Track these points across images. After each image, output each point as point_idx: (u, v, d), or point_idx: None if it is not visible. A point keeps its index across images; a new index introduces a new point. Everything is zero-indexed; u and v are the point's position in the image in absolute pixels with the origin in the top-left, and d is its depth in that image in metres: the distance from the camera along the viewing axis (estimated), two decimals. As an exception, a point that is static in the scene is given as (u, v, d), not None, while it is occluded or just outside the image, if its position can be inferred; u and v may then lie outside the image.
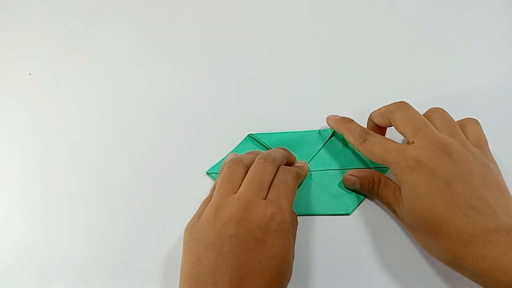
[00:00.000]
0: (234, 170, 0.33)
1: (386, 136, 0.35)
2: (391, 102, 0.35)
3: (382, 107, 0.35)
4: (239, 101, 0.43)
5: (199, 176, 0.38)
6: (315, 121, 0.40)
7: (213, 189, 0.34)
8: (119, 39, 0.48)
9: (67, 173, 0.39)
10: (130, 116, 0.42)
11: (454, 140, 0.31)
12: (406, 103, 0.33)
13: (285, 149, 0.37)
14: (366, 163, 0.37)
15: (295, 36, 0.47)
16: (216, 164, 0.38)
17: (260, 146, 0.39)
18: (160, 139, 0.41)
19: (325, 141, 0.39)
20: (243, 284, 0.27)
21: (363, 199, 0.36)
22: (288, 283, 0.30)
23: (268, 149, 0.39)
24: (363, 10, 0.48)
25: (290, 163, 0.36)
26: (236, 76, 0.44)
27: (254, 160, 0.33)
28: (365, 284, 0.33)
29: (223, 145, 0.39)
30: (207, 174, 0.38)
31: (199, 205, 0.33)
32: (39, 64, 0.46)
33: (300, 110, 0.42)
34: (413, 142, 0.31)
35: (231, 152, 0.39)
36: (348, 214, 0.35)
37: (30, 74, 0.46)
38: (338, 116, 0.38)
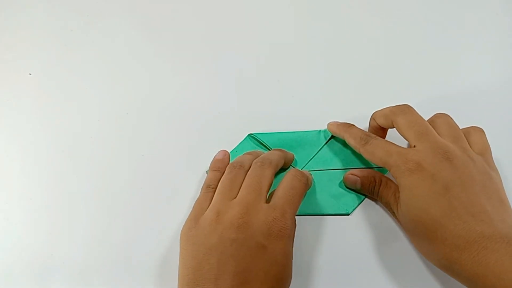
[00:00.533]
0: (235, 174, 0.33)
1: (387, 138, 0.35)
2: (392, 103, 0.35)
3: (385, 108, 0.35)
4: (239, 101, 0.43)
5: (199, 176, 0.38)
6: (315, 121, 0.40)
7: (204, 188, 0.34)
8: (119, 39, 0.48)
9: (67, 173, 0.39)
10: (130, 116, 0.42)
11: (456, 146, 0.31)
12: (410, 106, 0.33)
13: (282, 150, 0.37)
14: (366, 163, 0.37)
15: (295, 36, 0.47)
16: (216, 164, 0.38)
17: (260, 146, 0.39)
18: (160, 139, 0.41)
19: (325, 141, 0.39)
20: None
21: (363, 199, 0.36)
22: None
23: (269, 149, 0.39)
24: (363, 10, 0.48)
25: (287, 163, 0.37)
26: (236, 76, 0.44)
27: (254, 162, 0.34)
28: (365, 284, 0.33)
29: (223, 145, 0.39)
30: (207, 174, 0.38)
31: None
32: (39, 64, 0.46)
33: (300, 110, 0.42)
34: (414, 146, 0.31)
35: (231, 151, 0.39)
36: (348, 214, 0.35)
37: (30, 74, 0.46)
38: (339, 122, 0.38)
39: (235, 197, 0.31)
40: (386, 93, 0.42)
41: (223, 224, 0.29)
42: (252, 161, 0.34)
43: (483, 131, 0.34)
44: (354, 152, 0.38)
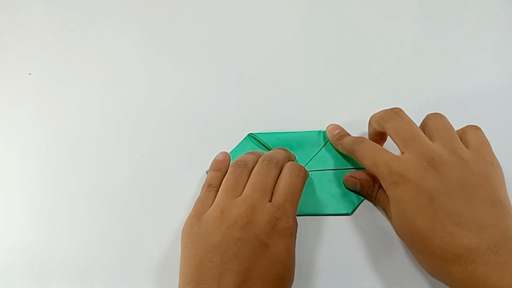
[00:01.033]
0: (239, 173, 0.33)
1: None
2: (392, 103, 0.34)
3: (378, 113, 0.34)
4: (239, 101, 0.43)
5: (199, 176, 0.38)
6: (315, 121, 0.40)
7: (205, 187, 0.34)
8: (119, 39, 0.48)
9: (67, 173, 0.39)
10: (130, 116, 0.42)
11: (446, 150, 0.30)
12: (399, 111, 0.33)
13: (285, 149, 0.37)
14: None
15: (295, 36, 0.47)
16: (216, 164, 0.38)
17: (260, 145, 0.39)
18: (160, 139, 0.41)
19: (326, 141, 0.39)
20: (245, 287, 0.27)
21: (363, 199, 0.36)
22: (290, 287, 0.30)
23: (269, 149, 0.39)
24: (363, 10, 0.48)
25: None
26: (236, 76, 0.44)
27: (258, 160, 0.33)
28: (365, 284, 0.33)
29: (223, 145, 0.39)
30: (207, 174, 0.38)
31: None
32: (39, 64, 0.46)
33: (300, 110, 0.42)
34: (403, 153, 0.31)
35: (231, 151, 0.39)
36: (348, 214, 0.35)
37: (30, 74, 0.46)
38: (336, 125, 0.38)
39: (240, 195, 0.31)
40: (386, 93, 0.42)
41: (227, 223, 0.29)
42: (256, 161, 0.34)
43: (479, 128, 0.33)
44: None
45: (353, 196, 0.36)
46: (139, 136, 0.41)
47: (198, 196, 0.34)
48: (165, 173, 0.39)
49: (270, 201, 0.31)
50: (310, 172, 0.37)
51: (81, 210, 0.37)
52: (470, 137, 0.32)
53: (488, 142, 0.32)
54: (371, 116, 0.35)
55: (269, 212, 0.30)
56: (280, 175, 0.33)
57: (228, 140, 0.40)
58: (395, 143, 0.32)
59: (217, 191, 0.33)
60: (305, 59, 0.45)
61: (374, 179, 0.35)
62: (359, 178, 0.35)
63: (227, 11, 0.49)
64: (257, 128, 0.40)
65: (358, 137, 0.35)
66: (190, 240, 0.30)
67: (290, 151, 0.37)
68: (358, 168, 0.37)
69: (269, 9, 0.49)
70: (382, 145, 0.38)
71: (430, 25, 0.47)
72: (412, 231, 0.28)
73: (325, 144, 0.39)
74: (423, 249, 0.28)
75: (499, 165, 0.31)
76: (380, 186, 0.33)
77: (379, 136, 0.36)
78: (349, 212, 0.35)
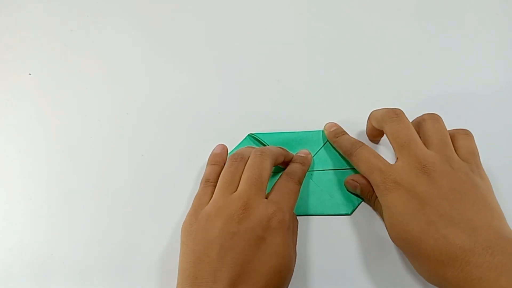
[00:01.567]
0: (236, 167, 0.33)
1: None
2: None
3: (379, 111, 0.34)
4: (240, 101, 0.43)
5: (199, 176, 0.38)
6: (315, 121, 0.40)
7: (202, 183, 0.35)
8: (119, 39, 0.48)
9: (67, 173, 0.39)
10: (130, 116, 0.42)
11: (438, 156, 0.30)
12: (400, 113, 0.33)
13: (282, 148, 0.37)
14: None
15: (295, 36, 0.47)
16: (216, 164, 0.38)
17: (260, 146, 0.39)
18: (160, 139, 0.41)
19: (325, 141, 0.39)
20: (242, 281, 0.27)
21: (363, 200, 0.36)
22: (289, 281, 0.30)
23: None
24: (363, 10, 0.48)
25: (287, 161, 0.37)
26: (236, 76, 0.44)
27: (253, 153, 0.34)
28: (365, 284, 0.33)
29: (223, 145, 0.39)
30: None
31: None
32: (39, 64, 0.46)
33: (300, 110, 0.42)
34: (398, 158, 0.31)
35: (230, 152, 0.39)
36: (348, 215, 0.35)
37: (30, 74, 0.46)
38: (334, 124, 0.38)
39: (235, 191, 0.32)
40: (386, 93, 0.42)
41: (223, 219, 0.30)
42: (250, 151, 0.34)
43: (470, 134, 0.33)
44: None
45: (353, 196, 0.36)
46: (139, 136, 0.41)
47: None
48: (165, 173, 0.39)
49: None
50: (310, 172, 0.37)
51: (81, 210, 0.37)
52: (461, 144, 0.32)
53: (477, 152, 0.32)
54: (372, 112, 0.36)
55: (264, 207, 0.30)
56: (276, 181, 0.33)
57: (228, 140, 0.39)
58: (392, 145, 0.32)
59: (215, 186, 0.33)
60: (305, 59, 0.45)
61: None
62: (360, 182, 0.35)
63: (227, 11, 0.49)
64: (257, 128, 0.40)
65: (357, 140, 0.35)
66: (189, 237, 0.31)
67: (287, 150, 0.37)
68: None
69: (269, 9, 0.49)
70: (378, 141, 0.38)
71: (430, 25, 0.47)
72: (406, 235, 0.28)
73: (324, 144, 0.39)
74: (418, 254, 0.28)
75: (487, 178, 0.31)
76: None
77: (376, 132, 0.36)
78: (349, 212, 0.35)
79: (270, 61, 0.45)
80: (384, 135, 0.33)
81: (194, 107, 0.42)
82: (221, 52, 0.46)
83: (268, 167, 0.33)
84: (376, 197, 0.34)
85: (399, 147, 0.31)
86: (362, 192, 0.35)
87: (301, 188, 0.36)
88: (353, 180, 0.35)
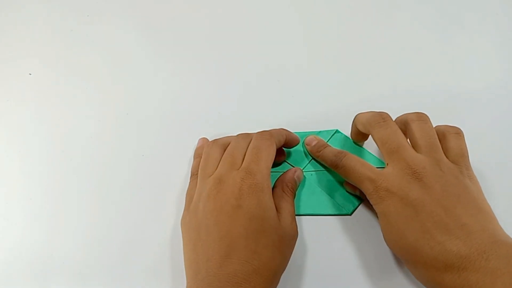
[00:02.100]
0: (208, 153, 0.35)
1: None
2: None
3: (365, 114, 0.34)
4: (240, 101, 0.43)
5: (199, 176, 0.38)
6: (315, 121, 0.40)
7: (190, 178, 0.36)
8: (119, 39, 0.48)
9: (67, 173, 0.39)
10: (130, 116, 0.42)
11: (428, 159, 0.30)
12: (386, 117, 0.33)
13: (283, 128, 0.37)
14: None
15: (295, 36, 0.47)
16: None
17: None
18: (160, 139, 0.41)
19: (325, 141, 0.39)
20: (230, 250, 0.28)
21: (363, 200, 0.36)
22: (282, 244, 0.30)
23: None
24: (363, 10, 0.48)
25: (289, 142, 0.36)
26: (237, 76, 0.44)
27: (231, 140, 0.35)
28: (365, 284, 0.33)
29: (223, 145, 0.39)
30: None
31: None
32: (39, 64, 0.46)
33: (300, 110, 0.42)
34: (387, 164, 0.31)
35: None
36: (349, 215, 0.35)
37: (30, 74, 0.46)
38: (314, 141, 0.37)
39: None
40: (386, 93, 0.42)
41: (203, 200, 0.31)
42: (230, 138, 0.35)
43: (460, 133, 0.32)
44: (354, 152, 0.38)
45: (353, 196, 0.36)
46: (139, 136, 0.41)
47: None
48: (165, 173, 0.39)
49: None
50: (310, 173, 0.37)
51: (81, 210, 0.37)
52: (451, 145, 0.31)
53: (467, 153, 0.32)
54: (357, 115, 0.35)
55: (234, 177, 0.31)
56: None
57: (228, 140, 0.39)
58: (380, 151, 0.32)
59: None
60: (305, 59, 0.45)
61: None
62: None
63: (227, 11, 0.49)
64: (257, 128, 0.40)
65: (340, 150, 0.35)
66: (185, 229, 0.33)
67: (289, 131, 0.37)
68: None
69: (270, 9, 0.49)
70: (363, 143, 0.38)
71: (430, 25, 0.47)
72: (402, 243, 0.29)
73: (325, 144, 0.39)
74: (414, 260, 0.28)
75: (476, 179, 0.31)
76: None
77: (361, 136, 0.36)
78: (349, 212, 0.35)
79: (270, 61, 0.45)
80: (370, 137, 0.33)
81: (193, 107, 0.42)
82: (221, 52, 0.46)
83: (242, 145, 0.34)
84: None
85: (388, 153, 0.31)
86: (362, 194, 0.35)
87: (301, 187, 0.36)
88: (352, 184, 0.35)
